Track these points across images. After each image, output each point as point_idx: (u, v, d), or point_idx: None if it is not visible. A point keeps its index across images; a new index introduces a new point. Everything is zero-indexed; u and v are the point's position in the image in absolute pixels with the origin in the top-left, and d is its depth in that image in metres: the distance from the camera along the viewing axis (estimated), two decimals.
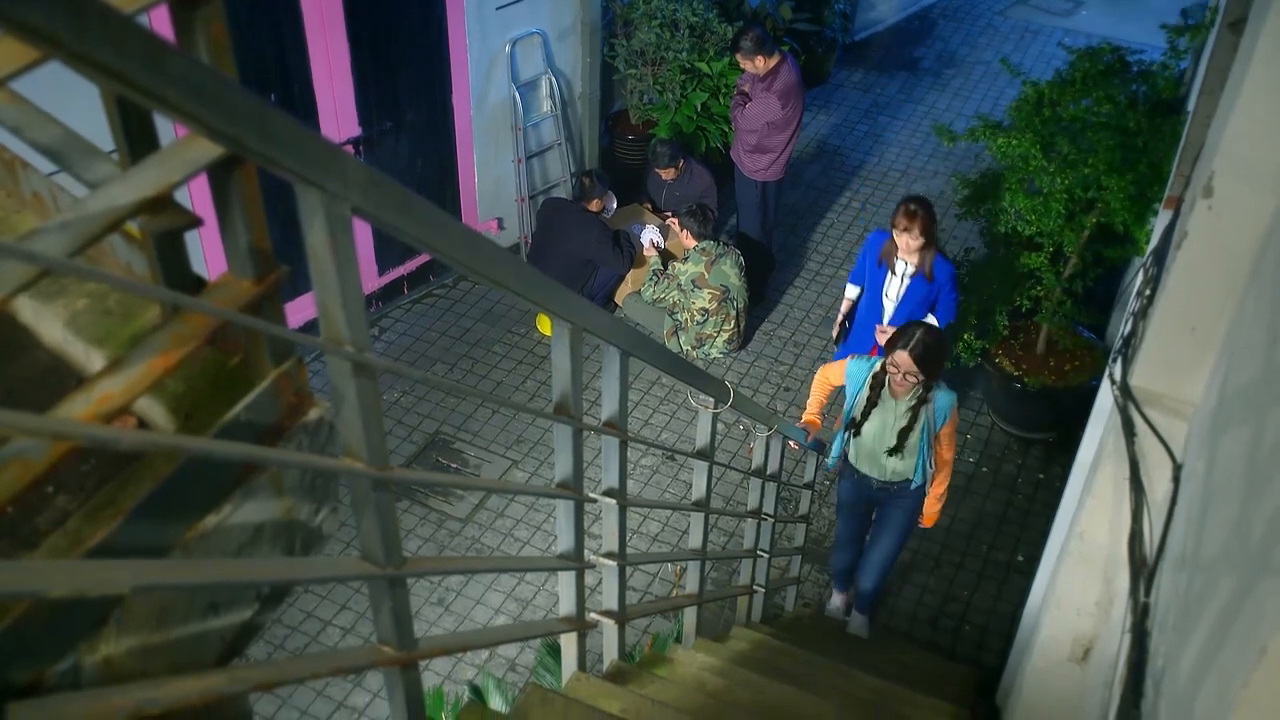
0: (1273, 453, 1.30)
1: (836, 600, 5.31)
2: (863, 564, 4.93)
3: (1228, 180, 2.06)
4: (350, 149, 5.94)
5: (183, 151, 1.19)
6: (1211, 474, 1.78)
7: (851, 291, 5.70)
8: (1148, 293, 2.46)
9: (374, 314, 6.71)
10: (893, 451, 4.36)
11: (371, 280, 6.60)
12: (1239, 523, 1.40)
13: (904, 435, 4.29)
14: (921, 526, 4.81)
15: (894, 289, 5.33)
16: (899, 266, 5.26)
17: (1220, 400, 1.93)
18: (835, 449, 4.68)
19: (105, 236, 1.13)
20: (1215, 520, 1.62)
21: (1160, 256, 2.60)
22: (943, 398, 4.28)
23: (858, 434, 4.43)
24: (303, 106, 5.58)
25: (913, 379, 4.09)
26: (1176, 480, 2.14)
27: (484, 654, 4.92)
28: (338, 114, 5.84)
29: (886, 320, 5.39)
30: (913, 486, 4.51)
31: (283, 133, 1.09)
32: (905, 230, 5.02)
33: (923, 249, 5.11)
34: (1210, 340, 2.22)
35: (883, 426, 4.35)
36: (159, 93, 0.93)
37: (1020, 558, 5.47)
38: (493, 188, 7.00)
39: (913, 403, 4.24)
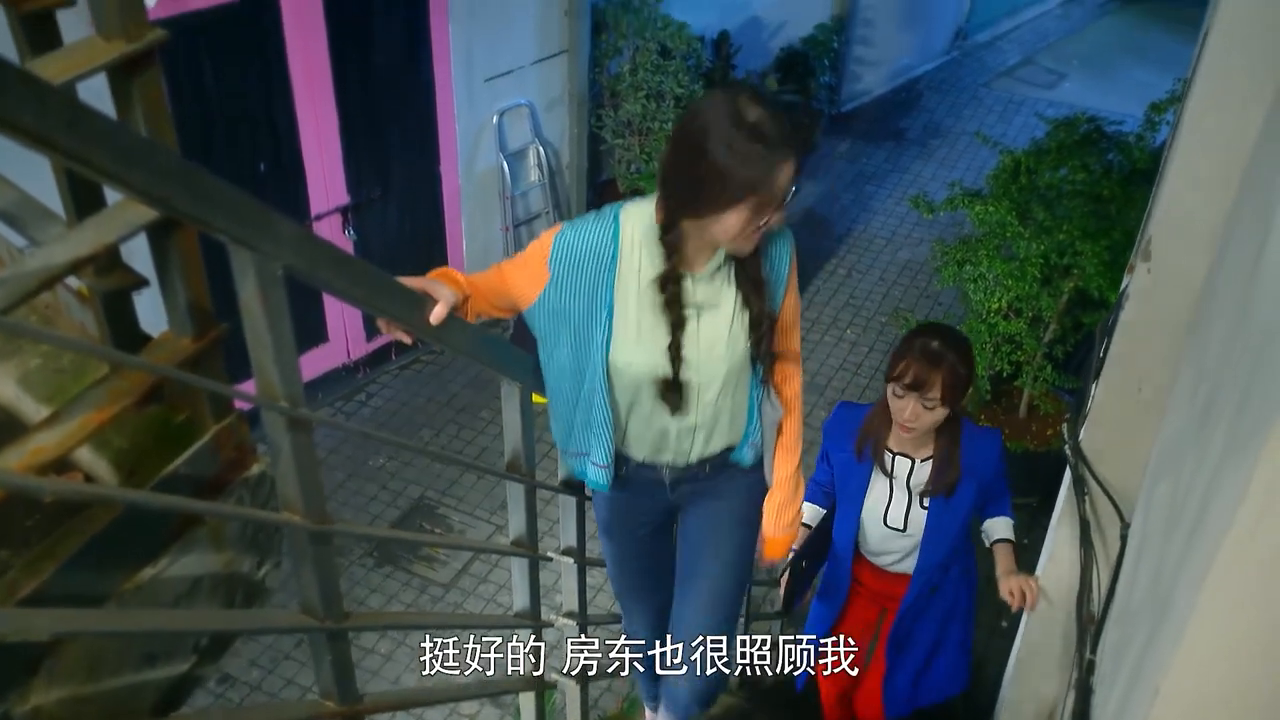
0: (1184, 497, 1.33)
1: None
2: (679, 632, 2.41)
3: (1164, 242, 2.12)
4: (339, 217, 6.03)
5: (121, 214, 1.24)
6: (1145, 527, 1.81)
7: (810, 513, 3.06)
8: (1100, 354, 2.50)
9: (361, 380, 6.75)
10: (671, 392, 2.10)
11: (360, 346, 6.65)
12: (1157, 571, 1.42)
13: (755, 329, 2.13)
14: (763, 562, 2.52)
15: (897, 508, 2.92)
16: (897, 465, 2.89)
17: (1158, 455, 1.96)
18: (595, 448, 2.14)
19: (40, 293, 1.17)
20: (1142, 571, 1.64)
21: (1115, 319, 2.64)
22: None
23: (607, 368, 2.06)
24: (292, 174, 5.68)
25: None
26: (1124, 539, 2.17)
27: None
28: (326, 182, 5.93)
29: (885, 558, 3.05)
30: (746, 462, 2.31)
31: (212, 194, 1.14)
32: (910, 390, 2.66)
33: (941, 431, 2.84)
34: (1157, 400, 2.26)
35: (658, 339, 2.06)
36: (82, 154, 0.97)
37: (1004, 623, 5.43)
38: (481, 255, 7.08)
39: (723, 265, 2.08)
